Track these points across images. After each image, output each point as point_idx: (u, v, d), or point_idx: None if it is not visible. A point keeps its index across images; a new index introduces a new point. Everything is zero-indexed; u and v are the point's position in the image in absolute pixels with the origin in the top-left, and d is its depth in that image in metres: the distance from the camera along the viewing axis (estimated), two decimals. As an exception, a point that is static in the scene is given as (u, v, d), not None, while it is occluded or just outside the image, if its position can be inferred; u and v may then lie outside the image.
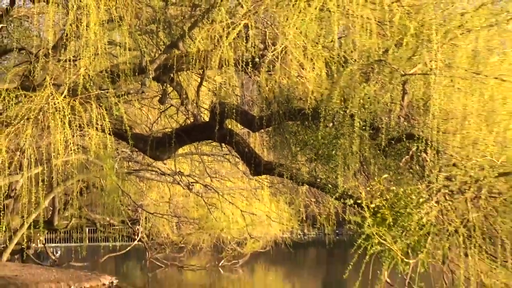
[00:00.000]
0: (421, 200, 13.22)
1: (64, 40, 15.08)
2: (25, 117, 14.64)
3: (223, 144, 17.98)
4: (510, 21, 13.96)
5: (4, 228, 28.87)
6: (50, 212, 31.17)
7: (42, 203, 26.77)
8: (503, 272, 13.51)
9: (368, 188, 14.30)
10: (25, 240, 31.71)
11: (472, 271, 13.42)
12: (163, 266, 35.33)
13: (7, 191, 29.58)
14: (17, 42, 17.39)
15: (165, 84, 16.81)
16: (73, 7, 14.32)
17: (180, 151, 20.54)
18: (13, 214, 29.87)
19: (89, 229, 36.69)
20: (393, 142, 13.90)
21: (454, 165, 13.36)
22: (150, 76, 15.83)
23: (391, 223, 13.35)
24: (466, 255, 13.41)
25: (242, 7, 14.11)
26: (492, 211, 13.38)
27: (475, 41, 13.62)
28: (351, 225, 14.39)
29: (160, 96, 17.61)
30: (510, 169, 13.12)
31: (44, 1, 15.64)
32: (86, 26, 14.35)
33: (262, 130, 16.36)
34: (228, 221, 31.81)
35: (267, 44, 14.44)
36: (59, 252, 36.54)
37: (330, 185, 15.08)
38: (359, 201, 14.01)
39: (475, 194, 13.19)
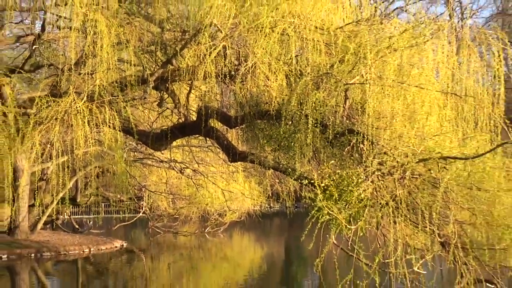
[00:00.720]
0: (359, 180, 13.41)
1: (84, 58, 15.15)
2: (54, 118, 14.66)
3: (207, 138, 17.88)
4: (426, 43, 13.96)
5: (38, 204, 28.93)
6: (74, 191, 30.89)
7: (67, 184, 26.90)
8: (423, 235, 13.63)
9: (319, 171, 14.48)
10: (55, 213, 31.44)
11: (399, 234, 13.58)
12: (161, 232, 35.11)
13: (40, 175, 29.44)
14: (47, 59, 17.26)
15: (162, 92, 16.84)
16: (90, 32, 14.27)
17: (174, 143, 20.41)
18: (45, 193, 29.80)
19: (104, 204, 36.49)
20: (338, 136, 13.96)
21: (384, 153, 13.49)
22: (150, 86, 15.96)
23: (337, 198, 13.56)
24: (394, 222, 13.61)
25: (221, 32, 14.12)
26: (414, 188, 13.54)
27: (400, 58, 13.78)
28: (306, 200, 14.64)
29: (158, 101, 17.65)
30: (427, 156, 13.29)
31: (68, 28, 15.45)
32: (101, 47, 14.46)
33: (237, 127, 16.29)
34: (212, 197, 31.74)
35: (240, 60, 14.47)
36: (91, 223, 36.37)
37: (290, 169, 15.13)
38: (312, 181, 14.21)
39: (401, 176, 13.42)
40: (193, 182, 31.29)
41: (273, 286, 23.42)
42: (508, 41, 15.88)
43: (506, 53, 14.61)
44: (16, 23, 19.17)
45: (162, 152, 22.89)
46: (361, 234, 13.85)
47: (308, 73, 14.12)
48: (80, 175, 29.37)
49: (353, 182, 13.70)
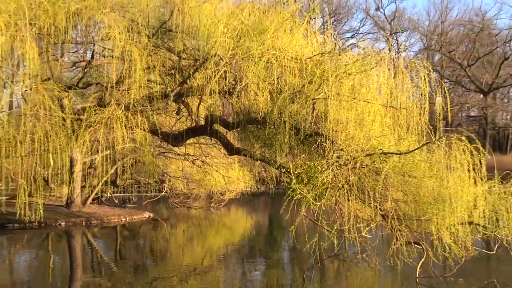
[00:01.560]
0: (323, 169, 13.52)
1: (122, 78, 15.04)
2: (100, 122, 14.67)
3: (212, 137, 17.86)
4: (372, 69, 13.96)
5: (88, 185, 28.85)
6: (114, 176, 30.78)
7: (109, 171, 26.84)
8: (368, 209, 13.69)
9: (293, 163, 14.52)
10: (100, 192, 31.30)
11: (351, 209, 13.63)
12: (178, 206, 34.99)
13: (89, 164, 29.30)
14: (95, 79, 17.18)
15: (179, 104, 16.86)
16: (127, 60, 14.24)
17: (188, 141, 20.28)
18: (93, 177, 29.61)
19: (136, 186, 36.21)
20: (307, 136, 14.12)
21: (341, 149, 13.55)
22: (171, 99, 15.96)
23: (306, 182, 13.67)
24: (348, 200, 13.70)
25: (222, 60, 14.12)
26: (362, 175, 13.58)
27: (353, 80, 13.89)
28: (284, 183, 14.72)
29: (177, 110, 17.59)
30: (372, 152, 13.33)
31: (110, 56, 15.42)
32: (134, 71, 14.28)
33: (234, 130, 16.27)
34: (215, 181, 31.66)
35: (236, 81, 14.49)
36: (136, 199, 36.23)
37: (272, 161, 15.21)
38: (288, 170, 14.38)
39: (353, 166, 13.52)
40: (202, 170, 31.32)
41: (260, 245, 23.43)
42: (432, 69, 16.03)
43: (430, 77, 14.71)
44: (72, 52, 19.03)
45: (179, 147, 22.84)
46: (324, 208, 13.94)
47: (286, 90, 14.25)
48: (119, 164, 29.25)
49: (318, 171, 13.76)
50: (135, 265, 19.07)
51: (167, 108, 17.20)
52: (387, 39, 71.86)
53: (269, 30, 14.51)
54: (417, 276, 13.96)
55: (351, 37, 73.78)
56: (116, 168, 30.31)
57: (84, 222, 27.68)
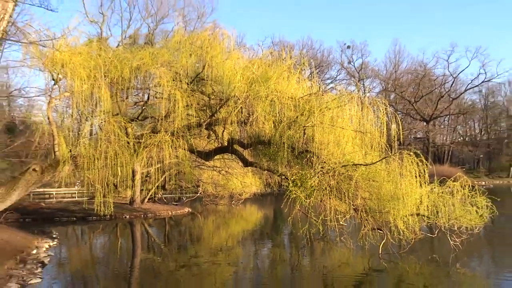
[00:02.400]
0: (311, 176, 13.23)
1: (169, 113, 14.98)
2: (153, 144, 14.57)
3: (232, 154, 17.75)
4: (345, 105, 13.86)
5: (145, 189, 28.77)
6: (164, 182, 30.78)
7: (160, 179, 26.55)
8: (344, 205, 13.57)
9: (290, 172, 14.24)
10: (154, 194, 31.22)
11: (332, 204, 13.47)
12: (208, 204, 34.89)
13: (146, 174, 29.23)
14: (150, 114, 17.07)
15: (209, 131, 16.69)
16: (172, 99, 14.40)
17: (216, 157, 20.18)
18: (149, 183, 29.57)
19: (179, 189, 36.16)
20: (300, 153, 13.92)
21: (324, 162, 13.45)
22: (203, 127, 15.81)
23: (299, 185, 13.36)
24: (329, 198, 13.64)
25: (239, 99, 14.16)
26: (340, 180, 13.43)
27: (332, 113, 13.87)
28: (284, 186, 14.43)
29: (207, 135, 17.49)
30: (346, 164, 13.26)
31: (161, 98, 15.43)
32: (177, 107, 14.24)
33: (248, 149, 16.18)
34: (235, 185, 31.51)
35: (249, 114, 14.37)
36: (185, 199, 36.18)
37: (275, 170, 15.06)
38: (287, 177, 14.04)
39: (333, 174, 13.30)
40: (225, 177, 31.23)
41: (267, 231, 23.31)
42: (388, 104, 15.96)
43: (387, 110, 14.64)
44: (134, 95, 19.08)
45: (209, 161, 22.78)
46: (312, 204, 13.83)
47: (284, 120, 14.13)
48: (167, 174, 29.25)
49: (308, 177, 13.70)
50: (178, 246, 19.01)
51: (200, 133, 17.02)
52: (356, 84, 72.47)
53: (272, 78, 14.46)
54: (379, 253, 13.93)
55: (331, 82, 74.02)
56: (165, 177, 30.36)
57: (142, 215, 27.65)
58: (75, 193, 35.22)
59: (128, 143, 14.98)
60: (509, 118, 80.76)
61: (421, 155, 13.68)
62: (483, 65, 77.17)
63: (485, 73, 76.41)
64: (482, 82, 77.88)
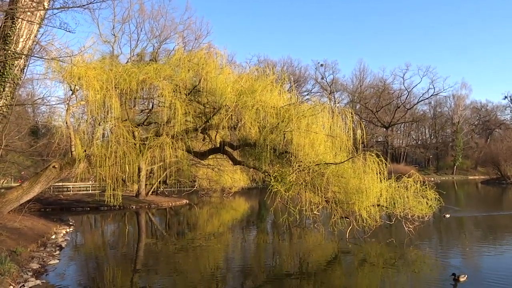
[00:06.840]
0: (290, 173, 13.23)
1: (169, 119, 14.85)
2: (156, 145, 14.41)
3: (224, 154, 17.61)
4: (319, 114, 13.91)
5: (149, 183, 28.34)
6: (165, 178, 30.45)
7: (161, 175, 26.16)
8: (318, 197, 13.58)
9: (272, 169, 14.21)
10: (156, 188, 30.86)
11: (307, 197, 13.45)
12: (203, 196, 34.63)
13: (150, 170, 28.89)
14: (154, 120, 16.87)
15: (204, 134, 16.55)
16: (172, 108, 14.40)
17: (210, 157, 20.03)
18: (152, 178, 29.19)
19: (178, 183, 35.74)
20: (281, 153, 13.89)
21: (301, 161, 13.43)
22: (199, 132, 15.68)
23: (280, 181, 13.33)
24: (305, 191, 13.55)
25: (230, 108, 14.11)
26: (314, 177, 13.44)
27: (308, 120, 13.78)
28: (267, 182, 14.31)
29: (203, 138, 17.35)
30: (319, 162, 13.35)
31: (163, 106, 15.34)
32: (177, 115, 14.16)
33: (237, 150, 16.10)
34: (226, 181, 31.32)
35: (238, 120, 14.32)
36: (183, 192, 35.79)
37: (260, 168, 14.96)
38: (269, 173, 13.97)
39: (308, 171, 13.32)
40: (218, 174, 31.02)
41: (253, 218, 23.26)
42: (354, 113, 16.06)
43: (353, 118, 14.74)
44: (140, 104, 18.93)
45: (204, 160, 22.61)
46: (290, 197, 13.83)
47: (268, 126, 14.04)
48: (168, 171, 28.97)
49: (287, 174, 13.67)
50: (177, 232, 18.81)
51: (196, 137, 16.88)
52: (328, 96, 73.06)
53: (258, 90, 14.47)
54: (347, 237, 14.02)
55: (307, 94, 73.98)
56: (166, 173, 30.10)
57: (146, 206, 27.33)
58: (89, 186, 34.65)
59: (135, 144, 14.86)
60: (453, 125, 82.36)
61: (381, 156, 13.85)
62: (432, 81, 79.39)
63: (434, 88, 78.33)
64: (431, 95, 79.71)
